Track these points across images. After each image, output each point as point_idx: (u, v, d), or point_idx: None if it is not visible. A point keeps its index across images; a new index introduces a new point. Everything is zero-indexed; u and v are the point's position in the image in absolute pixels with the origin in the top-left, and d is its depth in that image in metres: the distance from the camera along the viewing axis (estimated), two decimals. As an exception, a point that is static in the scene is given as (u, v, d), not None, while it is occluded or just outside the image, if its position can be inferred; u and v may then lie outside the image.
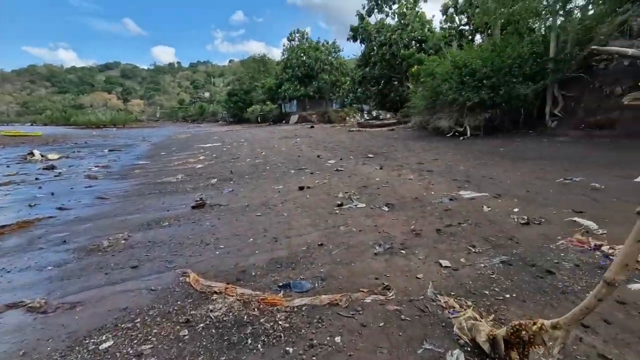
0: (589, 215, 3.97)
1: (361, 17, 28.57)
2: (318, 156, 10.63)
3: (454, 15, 24.42)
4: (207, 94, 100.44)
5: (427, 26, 26.54)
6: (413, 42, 25.73)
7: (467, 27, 24.22)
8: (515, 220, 4.02)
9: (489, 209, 4.53)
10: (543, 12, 14.14)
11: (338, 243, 3.77)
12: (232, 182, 7.65)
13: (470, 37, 23.92)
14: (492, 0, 12.85)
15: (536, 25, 13.51)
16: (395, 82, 28.61)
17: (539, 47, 11.42)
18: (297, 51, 40.76)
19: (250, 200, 5.95)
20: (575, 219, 3.89)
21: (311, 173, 8.06)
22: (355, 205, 5.17)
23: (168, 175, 8.85)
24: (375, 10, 28.04)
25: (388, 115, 29.21)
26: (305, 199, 5.76)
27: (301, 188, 6.50)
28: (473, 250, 3.34)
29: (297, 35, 43.52)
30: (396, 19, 27.36)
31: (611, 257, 2.90)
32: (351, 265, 3.22)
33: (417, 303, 2.51)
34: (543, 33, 12.24)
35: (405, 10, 26.67)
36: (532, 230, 3.71)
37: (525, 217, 4.03)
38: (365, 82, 29.04)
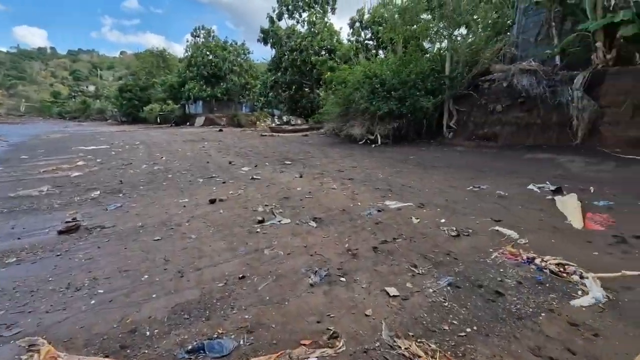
0: (506, 224, 4.12)
1: (271, 20, 28.07)
2: (230, 162, 9.62)
3: (360, 30, 25.88)
4: (92, 88, 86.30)
5: (336, 37, 27.52)
6: (323, 50, 26.32)
7: (371, 42, 25.92)
8: (446, 232, 3.93)
9: (418, 220, 4.41)
10: (433, 35, 15.91)
11: (264, 273, 3.07)
12: (121, 195, 6.18)
13: (374, 51, 25.64)
14: (398, 17, 13.76)
15: (433, 45, 14.97)
16: (307, 89, 28.90)
17: (437, 64, 12.63)
18: (202, 49, 37.90)
19: (146, 218, 4.77)
20: (497, 228, 3.98)
21: (223, 182, 7.09)
22: (279, 221, 4.52)
23: (28, 187, 6.76)
24: (286, 16, 27.88)
25: (299, 121, 29.26)
26: (218, 215, 4.86)
27: (212, 201, 5.55)
28: (416, 271, 3.04)
29: (202, 32, 40.52)
30: (306, 27, 27.69)
31: (545, 269, 2.90)
32: (284, 304, 2.57)
33: (374, 353, 2.01)
34: (439, 52, 13.60)
35: (314, 19, 27.18)
36: (464, 243, 3.64)
37: (454, 229, 3.98)
38: (277, 86, 28.58)
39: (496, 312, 2.40)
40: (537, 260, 3.01)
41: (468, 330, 2.21)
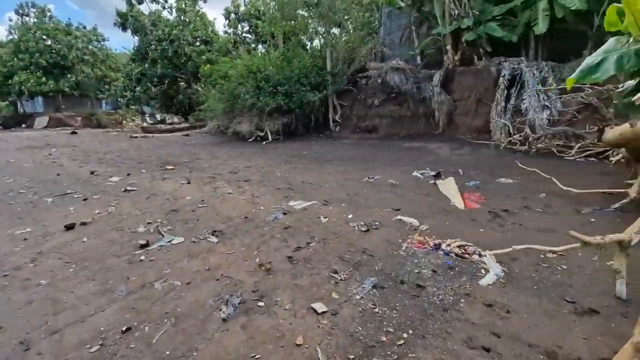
0: (405, 212, 4.35)
1: (130, 3, 24.23)
2: (92, 172, 7.79)
3: (237, 22, 24.79)
4: None
5: (210, 27, 25.71)
6: (198, 41, 24.26)
7: (250, 35, 25.16)
8: (357, 228, 3.89)
9: (326, 218, 4.27)
10: (312, 32, 16.45)
11: (158, 317, 2.40)
12: None
13: (254, 45, 24.99)
14: (277, 11, 13.54)
15: (312, 41, 15.37)
16: (182, 83, 26.26)
17: (319, 61, 12.98)
18: (35, 32, 30.15)
19: (-42, 267, 3.29)
20: (400, 217, 4.16)
21: (84, 199, 5.61)
22: (169, 242, 3.74)
23: None
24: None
25: (176, 119, 26.46)
26: (81, 246, 3.73)
27: (70, 227, 4.26)
28: (338, 277, 2.84)
29: (32, 10, 32.26)
30: (175, 15, 25.01)
31: (451, 253, 3.09)
32: (193, 356, 2.01)
33: (318, 395, 1.69)
34: (320, 49, 14.02)
35: (184, 6, 24.71)
36: (375, 237, 3.64)
37: (363, 223, 3.98)
38: (146, 80, 25.03)
39: (423, 307, 2.38)
40: (444, 246, 3.19)
41: (405, 336, 2.10)
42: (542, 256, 2.97)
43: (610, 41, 1.22)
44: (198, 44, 24.68)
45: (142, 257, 3.36)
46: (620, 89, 1.56)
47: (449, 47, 10.31)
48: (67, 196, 5.85)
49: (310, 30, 16.58)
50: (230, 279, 2.89)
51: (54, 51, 30.30)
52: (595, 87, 7.09)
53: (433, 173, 6.12)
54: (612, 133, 3.72)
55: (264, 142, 12.35)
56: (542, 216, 3.97)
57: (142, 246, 3.61)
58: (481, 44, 9.57)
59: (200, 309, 2.49)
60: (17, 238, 4.00)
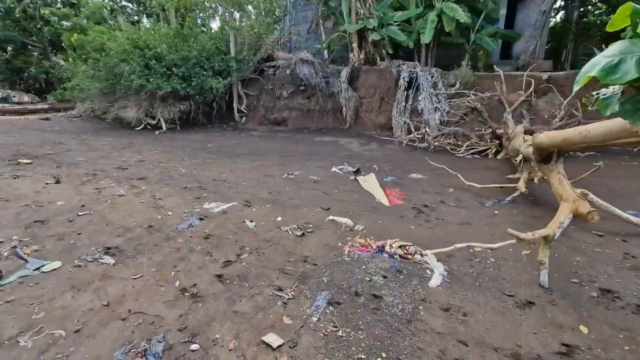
0: (335, 211, 4.17)
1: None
2: None
3: (113, -13, 20.88)
4: None
5: (78, -13, 21.04)
6: (59, 2, 19.57)
7: (130, 5, 21.56)
8: (290, 233, 3.51)
9: (253, 223, 3.76)
10: (210, 11, 15.02)
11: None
12: None
13: (136, 17, 21.54)
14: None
15: (209, 20, 13.96)
16: (36, 53, 20.85)
17: (222, 44, 11.82)
18: None
19: None
20: (332, 217, 3.94)
21: None
22: (38, 269, 2.69)
23: None
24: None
25: (26, 98, 20.98)
26: None
27: None
28: (284, 295, 2.44)
29: None
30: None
31: (395, 255, 3.02)
32: None
33: None
34: (222, 32, 12.78)
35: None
36: (313, 242, 3.34)
37: (296, 227, 3.64)
38: (-22, 43, 19.01)
39: (387, 321, 2.19)
40: (387, 248, 3.10)
41: (379, 361, 1.87)
42: (471, 250, 3.14)
43: (624, 43, 1.15)
44: (60, 5, 19.91)
45: (-7, 299, 2.30)
46: (600, 95, 1.58)
47: (355, 45, 10.62)
48: None
49: (208, 8, 15.07)
50: (144, 316, 2.19)
51: None
52: (478, 94, 8.27)
53: (352, 169, 6.15)
54: (550, 137, 4.01)
55: (157, 132, 10.68)
56: (457, 210, 4.31)
57: (-9, 280, 2.50)
58: (384, 45, 10.14)
59: (103, 369, 1.77)
60: None
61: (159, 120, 11.03)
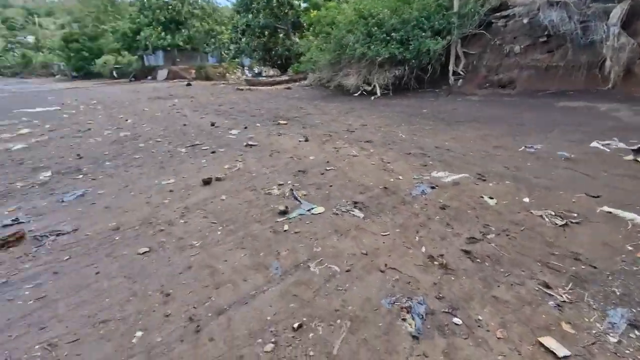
0: (608, 200, 3.16)
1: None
2: (212, 124, 8.02)
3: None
4: (30, 39, 75.51)
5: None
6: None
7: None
8: (547, 220, 2.91)
9: (494, 200, 3.36)
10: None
11: (328, 316, 1.95)
12: (81, 176, 4.71)
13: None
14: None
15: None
16: (281, 35, 26.00)
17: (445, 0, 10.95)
18: (156, -12, 32.78)
19: (121, 215, 3.43)
20: (607, 209, 3.00)
21: (212, 152, 5.67)
22: (309, 210, 3.33)
23: (-53, 171, 5.07)
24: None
25: (272, 72, 26.73)
26: (221, 204, 3.59)
27: (207, 181, 4.21)
28: (555, 295, 2.02)
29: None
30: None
31: None
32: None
33: None
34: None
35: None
36: (584, 238, 2.64)
37: (554, 214, 2.97)
38: (250, 31, 25.41)
39: None
40: None
41: None
42: None
43: None
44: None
45: (286, 227, 3.02)
46: None
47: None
48: (197, 147, 6.02)
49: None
50: (399, 273, 2.32)
51: (170, 7, 32.81)
52: None
53: (630, 147, 4.51)
54: None
55: (372, 98, 11.36)
56: None
57: (282, 212, 3.28)
58: None
59: (375, 312, 1.97)
60: (165, 189, 4.09)
61: (374, 86, 11.66)
